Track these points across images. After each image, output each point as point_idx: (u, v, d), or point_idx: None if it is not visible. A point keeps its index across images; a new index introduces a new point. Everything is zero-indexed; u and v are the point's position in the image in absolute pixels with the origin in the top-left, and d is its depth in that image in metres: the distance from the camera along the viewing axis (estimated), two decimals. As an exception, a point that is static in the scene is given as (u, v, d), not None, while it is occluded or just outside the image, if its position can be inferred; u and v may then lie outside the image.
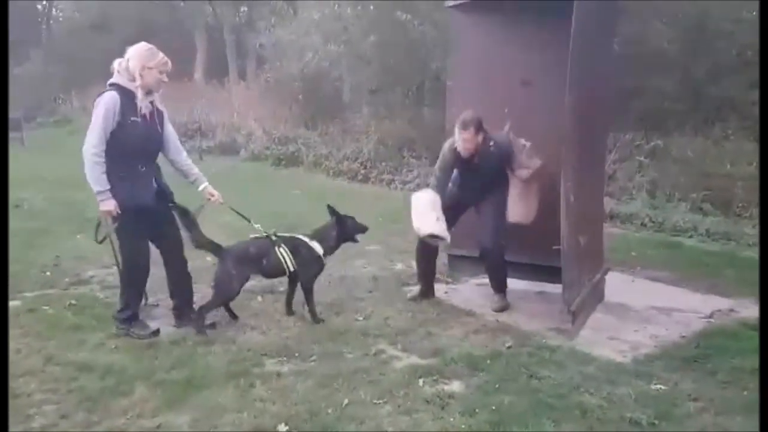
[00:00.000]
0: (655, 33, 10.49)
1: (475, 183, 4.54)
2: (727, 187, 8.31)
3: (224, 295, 4.11)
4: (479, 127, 4.34)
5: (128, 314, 4.01)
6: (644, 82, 10.17)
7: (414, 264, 5.70)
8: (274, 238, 4.17)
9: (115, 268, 5.12)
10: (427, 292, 4.80)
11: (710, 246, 6.86)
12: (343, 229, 4.36)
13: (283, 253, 4.14)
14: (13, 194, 6.89)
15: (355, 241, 4.46)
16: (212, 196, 4.08)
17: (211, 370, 3.49)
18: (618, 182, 9.03)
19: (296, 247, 4.21)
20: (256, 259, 4.13)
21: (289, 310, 4.37)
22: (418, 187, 9.96)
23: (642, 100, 10.21)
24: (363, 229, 4.46)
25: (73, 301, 4.53)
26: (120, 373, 3.44)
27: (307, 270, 4.24)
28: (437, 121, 10.09)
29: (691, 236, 7.20)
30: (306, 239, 4.26)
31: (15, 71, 19.81)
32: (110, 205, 3.74)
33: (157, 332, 4.00)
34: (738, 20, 10.21)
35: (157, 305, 4.47)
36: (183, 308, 4.19)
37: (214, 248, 4.08)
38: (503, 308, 4.55)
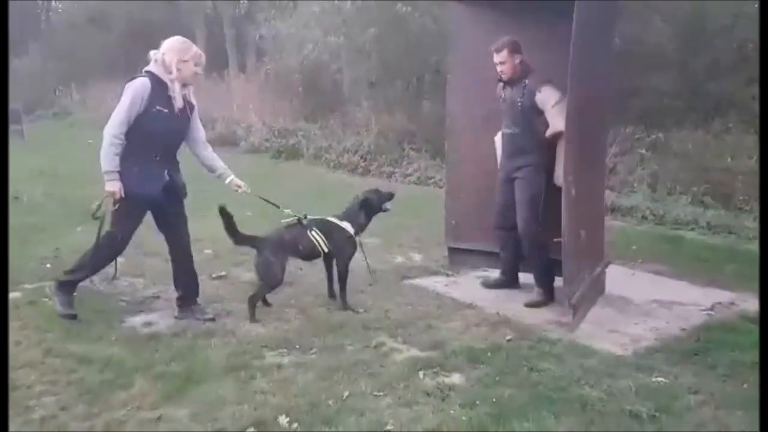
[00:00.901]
0: (654, 31, 10.46)
1: (510, 125, 4.48)
2: (728, 180, 8.31)
3: (270, 283, 4.22)
4: (514, 49, 4.33)
5: (71, 279, 4.00)
6: (644, 79, 10.14)
7: (414, 257, 5.74)
8: (305, 221, 4.26)
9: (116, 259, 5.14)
10: (508, 282, 4.81)
11: (711, 239, 6.86)
12: (370, 206, 4.45)
13: (315, 236, 4.24)
14: (12, 187, 6.86)
15: (386, 210, 4.53)
16: (239, 187, 4.16)
17: (211, 363, 3.49)
18: (619, 175, 9.02)
19: (328, 229, 4.31)
20: (292, 245, 4.24)
21: (331, 293, 4.50)
22: (419, 180, 10.02)
23: (641, 97, 10.19)
24: (389, 197, 4.54)
25: (74, 294, 4.51)
26: (119, 366, 3.43)
27: (341, 252, 4.35)
28: (437, 114, 10.07)
29: (692, 229, 7.19)
30: (336, 221, 4.35)
31: (13, 64, 19.74)
32: (115, 186, 3.78)
33: (73, 317, 3.93)
34: (737, 15, 10.17)
35: (158, 297, 4.46)
36: (187, 300, 4.19)
37: (252, 241, 4.20)
38: (533, 304, 4.45)
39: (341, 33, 12.96)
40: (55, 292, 4.00)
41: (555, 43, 4.08)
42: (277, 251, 4.18)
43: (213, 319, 4.12)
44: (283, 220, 4.33)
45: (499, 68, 4.41)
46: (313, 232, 4.25)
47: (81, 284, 4.70)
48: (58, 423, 2.89)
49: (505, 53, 4.34)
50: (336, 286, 4.44)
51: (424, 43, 12.00)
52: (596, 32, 4.37)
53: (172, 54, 3.81)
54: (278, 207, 4.34)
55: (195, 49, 3.89)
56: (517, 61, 4.36)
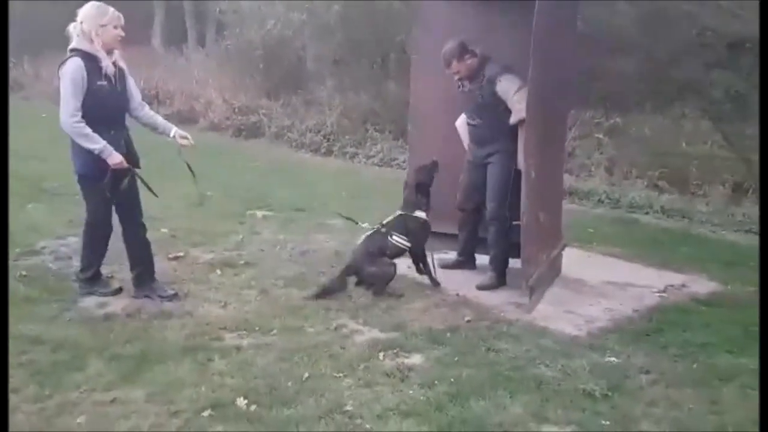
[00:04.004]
0: (618, 14, 10.56)
1: (473, 116, 4.50)
2: (683, 165, 8.49)
3: (386, 281, 4.34)
4: (461, 54, 4.31)
5: (91, 273, 4.06)
6: (606, 62, 10.25)
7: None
8: (383, 230, 4.42)
9: (69, 238, 5.03)
10: (465, 263, 4.83)
11: (665, 223, 7.02)
12: (426, 184, 4.54)
13: (396, 239, 4.40)
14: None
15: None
16: (185, 138, 4.06)
17: (167, 344, 3.45)
18: (577, 159, 9.15)
19: (405, 225, 4.44)
20: (379, 253, 4.39)
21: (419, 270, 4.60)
22: (382, 162, 9.98)
23: (603, 80, 10.31)
24: (435, 166, 4.58)
25: (24, 272, 4.39)
26: (73, 347, 3.37)
27: (417, 239, 4.48)
28: (402, 94, 10.02)
29: (646, 213, 7.35)
30: (409, 213, 4.47)
31: (-39, 32, 18.88)
32: (117, 157, 3.76)
33: (119, 290, 4.10)
34: (701, 3, 10.33)
35: (111, 277, 4.36)
36: (143, 276, 4.12)
37: (348, 271, 4.37)
38: (485, 287, 4.48)
39: (304, 9, 12.74)
40: (89, 286, 4.07)
41: (521, 23, 4.08)
42: (371, 261, 4.34)
43: (176, 295, 4.09)
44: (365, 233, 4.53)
45: (456, 77, 4.43)
46: (394, 237, 4.40)
47: (33, 263, 4.62)
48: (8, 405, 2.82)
49: (454, 64, 4.33)
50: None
51: (389, 22, 11.88)
52: (559, 16, 4.38)
53: (90, 21, 3.69)
54: (356, 223, 4.66)
55: (112, 11, 3.76)
56: (469, 61, 4.34)
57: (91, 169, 3.78)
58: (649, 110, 9.88)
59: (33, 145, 8.62)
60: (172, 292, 4.11)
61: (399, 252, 4.46)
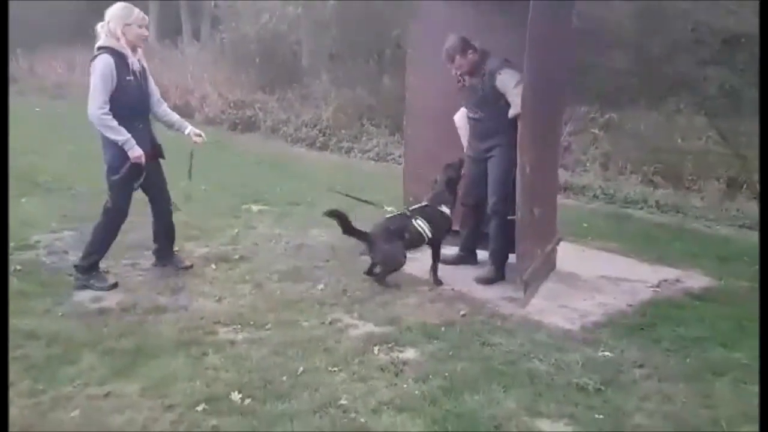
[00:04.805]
0: (613, 10, 10.56)
1: (474, 110, 4.50)
2: (678, 160, 8.51)
3: (393, 266, 4.39)
4: (464, 49, 4.31)
5: (92, 261, 4.17)
6: (601, 58, 10.25)
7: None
8: (408, 213, 4.48)
9: (63, 232, 5.03)
10: (466, 258, 4.84)
11: (659, 218, 7.04)
12: (456, 181, 4.59)
13: (421, 224, 4.41)
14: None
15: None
16: (199, 137, 4.35)
17: (162, 339, 3.45)
18: (572, 154, 9.16)
19: (430, 215, 4.47)
20: (399, 234, 4.39)
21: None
22: (378, 156, 9.98)
23: (598, 76, 10.31)
24: (462, 163, 4.61)
25: (18, 267, 4.39)
26: (67, 341, 3.37)
27: (438, 231, 4.50)
28: (397, 89, 10.01)
29: (641, 208, 7.37)
30: (435, 206, 4.53)
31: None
32: (138, 151, 3.98)
33: (115, 285, 4.15)
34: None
35: (108, 272, 4.36)
36: (165, 249, 4.52)
37: (362, 235, 4.40)
38: (483, 281, 4.49)
39: (300, 3, 12.71)
40: (85, 278, 4.15)
41: (519, 24, 4.06)
42: (388, 239, 4.35)
43: (191, 266, 4.50)
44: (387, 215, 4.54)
45: (458, 72, 4.40)
46: (419, 221, 4.42)
47: (27, 257, 4.61)
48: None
49: (457, 59, 4.33)
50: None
51: (385, 17, 11.86)
52: (555, 12, 4.38)
53: (116, 21, 3.96)
54: (373, 204, 4.66)
55: (137, 11, 4.04)
56: (471, 56, 4.34)
57: (119, 160, 4.00)
58: (643, 106, 9.90)
59: (27, 139, 8.58)
60: (188, 264, 4.52)
61: (418, 237, 4.44)
